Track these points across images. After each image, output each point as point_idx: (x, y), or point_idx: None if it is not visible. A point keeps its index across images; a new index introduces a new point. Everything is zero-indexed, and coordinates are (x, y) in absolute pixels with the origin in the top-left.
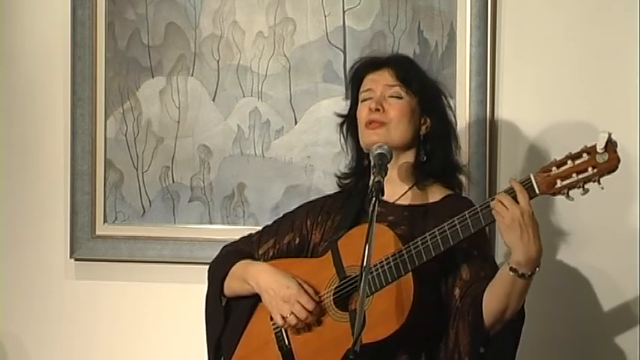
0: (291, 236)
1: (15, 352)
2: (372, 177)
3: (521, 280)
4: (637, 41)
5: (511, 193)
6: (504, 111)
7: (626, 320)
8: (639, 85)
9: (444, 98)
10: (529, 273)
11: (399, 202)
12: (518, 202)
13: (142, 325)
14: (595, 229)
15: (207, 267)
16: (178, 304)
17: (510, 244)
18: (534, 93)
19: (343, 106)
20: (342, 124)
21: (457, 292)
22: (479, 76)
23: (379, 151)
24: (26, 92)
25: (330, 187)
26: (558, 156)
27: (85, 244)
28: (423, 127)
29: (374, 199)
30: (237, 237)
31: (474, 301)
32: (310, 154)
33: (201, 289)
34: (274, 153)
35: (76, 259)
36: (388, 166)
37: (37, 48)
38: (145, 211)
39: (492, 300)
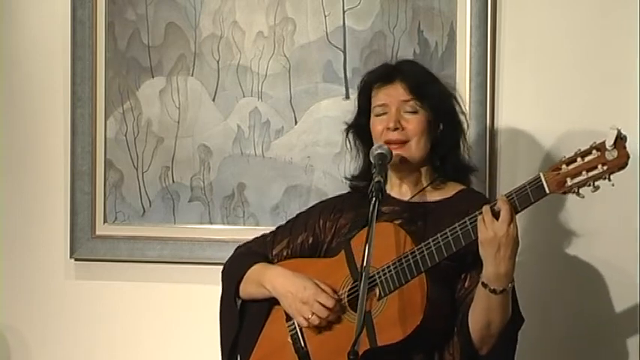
0: (305, 236)
1: (16, 353)
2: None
3: (494, 295)
4: (637, 40)
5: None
6: (504, 111)
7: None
8: (639, 84)
9: (455, 101)
10: (500, 289)
11: (413, 200)
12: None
13: (142, 325)
14: (606, 225)
15: (221, 269)
16: (178, 304)
17: (484, 257)
18: (534, 93)
19: (343, 106)
20: (347, 131)
21: (456, 299)
22: (479, 77)
23: (379, 151)
24: (26, 92)
25: (330, 187)
26: (558, 155)
27: (85, 244)
28: (438, 132)
29: (374, 199)
30: (237, 237)
31: (462, 318)
32: (310, 154)
33: (201, 289)
34: (274, 153)
35: (76, 259)
36: (403, 167)
37: (37, 48)
38: (145, 211)
39: (475, 316)
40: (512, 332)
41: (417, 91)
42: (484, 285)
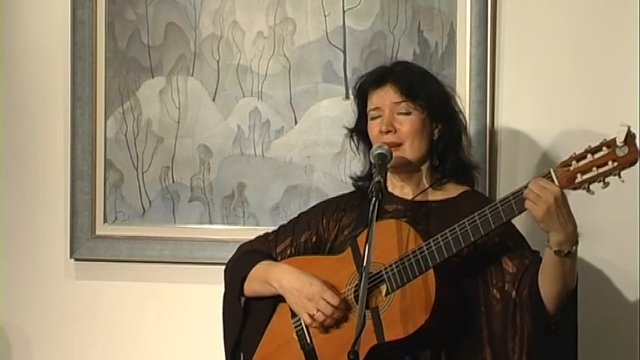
0: (308, 234)
1: (17, 353)
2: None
3: (568, 258)
4: (637, 40)
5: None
6: (504, 111)
7: None
8: (639, 84)
9: (451, 100)
10: (573, 248)
11: (417, 199)
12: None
13: (142, 325)
14: (609, 224)
15: (222, 268)
16: (178, 304)
17: (549, 228)
18: (534, 93)
19: (343, 106)
20: (351, 136)
21: (508, 286)
22: (479, 77)
23: (379, 151)
24: (26, 92)
25: (330, 187)
26: (558, 155)
27: (85, 244)
28: (436, 132)
29: (374, 199)
30: (237, 237)
31: (531, 291)
32: (310, 154)
33: (201, 289)
34: (274, 153)
35: (76, 259)
36: (405, 169)
37: (37, 48)
38: (145, 211)
39: (549, 286)
40: (576, 292)
41: (408, 92)
42: (557, 252)
